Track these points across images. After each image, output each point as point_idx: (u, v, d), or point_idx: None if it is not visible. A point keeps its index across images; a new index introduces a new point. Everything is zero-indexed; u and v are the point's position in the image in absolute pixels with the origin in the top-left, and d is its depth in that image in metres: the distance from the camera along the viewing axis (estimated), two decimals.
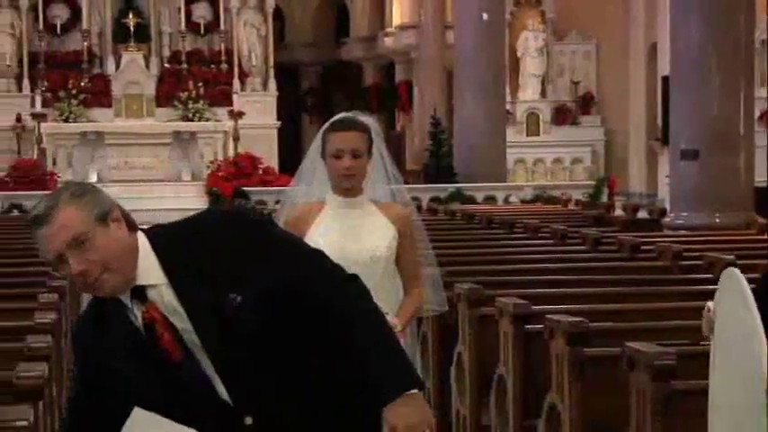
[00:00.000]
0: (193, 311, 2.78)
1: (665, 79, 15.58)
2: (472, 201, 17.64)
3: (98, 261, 2.74)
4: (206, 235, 2.83)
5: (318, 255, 2.93)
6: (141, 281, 2.81)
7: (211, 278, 2.77)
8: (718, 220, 11.24)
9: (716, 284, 7.10)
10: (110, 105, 22.77)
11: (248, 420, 2.85)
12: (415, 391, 2.76)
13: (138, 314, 2.83)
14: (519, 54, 23.06)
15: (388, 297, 4.09)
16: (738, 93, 11.48)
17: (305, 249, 2.97)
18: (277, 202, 14.22)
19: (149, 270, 2.81)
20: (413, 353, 4.37)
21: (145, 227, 2.90)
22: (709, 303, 3.47)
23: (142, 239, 2.84)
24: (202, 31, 24.32)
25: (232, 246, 2.79)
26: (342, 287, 2.85)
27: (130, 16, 23.50)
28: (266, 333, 2.79)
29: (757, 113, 17.02)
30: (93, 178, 21.56)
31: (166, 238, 2.85)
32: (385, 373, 2.75)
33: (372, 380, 2.76)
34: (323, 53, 28.61)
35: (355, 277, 2.89)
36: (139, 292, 2.82)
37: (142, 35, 23.68)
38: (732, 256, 7.29)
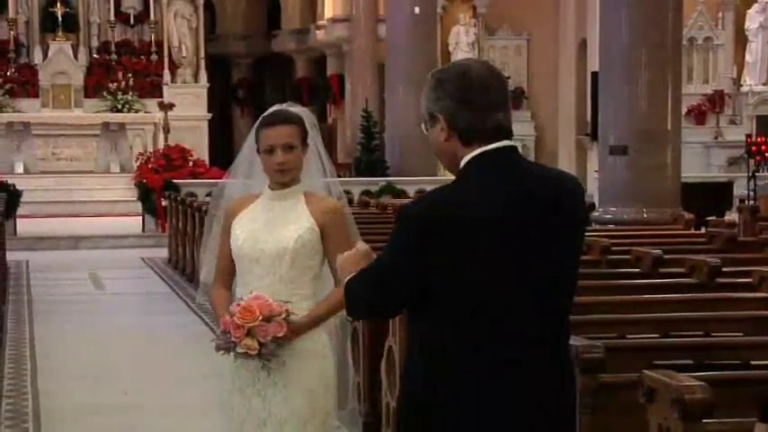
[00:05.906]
0: None
1: (595, 75, 15.71)
2: (403, 194, 17.67)
3: None
4: None
5: None
6: None
7: None
8: (645, 215, 11.36)
9: (644, 278, 7.16)
10: (37, 95, 22.45)
11: None
12: None
13: None
14: (451, 48, 23.14)
15: (298, 291, 4.01)
16: (666, 89, 11.62)
17: None
18: (208, 194, 14.13)
19: None
20: (344, 346, 4.33)
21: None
22: None
23: None
24: (132, 22, 24.08)
25: None
26: None
27: (58, 5, 23.19)
28: None
29: (685, 110, 17.26)
30: (20, 169, 21.26)
31: None
32: None
33: None
34: (254, 45, 28.45)
35: None
36: None
37: (70, 25, 23.37)
38: (659, 251, 7.39)
